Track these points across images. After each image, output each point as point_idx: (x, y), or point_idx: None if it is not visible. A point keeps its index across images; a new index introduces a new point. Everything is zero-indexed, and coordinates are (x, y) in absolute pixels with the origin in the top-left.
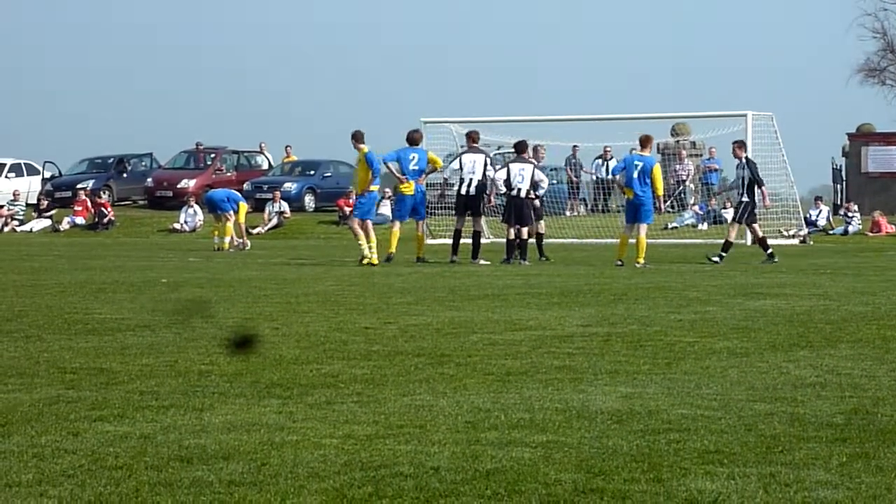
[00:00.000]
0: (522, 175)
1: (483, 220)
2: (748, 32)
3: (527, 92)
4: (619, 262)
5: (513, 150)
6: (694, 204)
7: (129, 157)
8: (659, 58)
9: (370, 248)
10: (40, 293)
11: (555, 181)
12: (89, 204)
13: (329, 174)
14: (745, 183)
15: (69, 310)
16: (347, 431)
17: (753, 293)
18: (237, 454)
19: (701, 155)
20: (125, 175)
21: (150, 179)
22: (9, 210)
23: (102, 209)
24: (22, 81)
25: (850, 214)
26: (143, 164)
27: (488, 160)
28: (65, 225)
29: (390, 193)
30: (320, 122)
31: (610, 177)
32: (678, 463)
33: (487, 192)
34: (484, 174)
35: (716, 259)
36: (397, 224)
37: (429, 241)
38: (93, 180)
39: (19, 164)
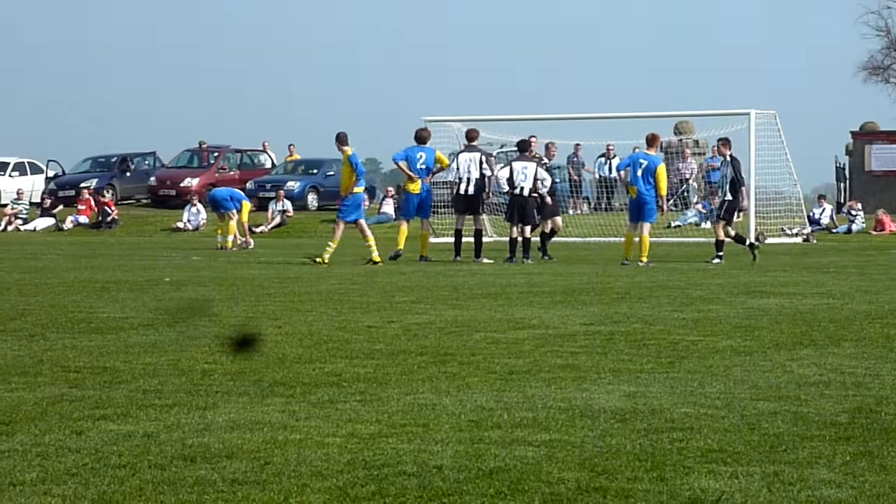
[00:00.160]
0: (525, 173)
1: (485, 218)
2: (752, 31)
3: (529, 91)
4: (625, 262)
5: (515, 148)
6: (697, 202)
7: (133, 155)
8: (662, 57)
9: (370, 247)
10: (44, 292)
11: (558, 180)
12: (93, 203)
13: (332, 173)
14: (729, 181)
15: (72, 308)
16: (350, 430)
17: (757, 292)
18: (240, 453)
19: (704, 153)
20: (128, 174)
21: (153, 178)
22: (12, 209)
23: (106, 208)
24: (27, 81)
25: (853, 213)
26: (147, 162)
27: (483, 158)
28: (68, 224)
29: (393, 192)
30: (323, 121)
31: (614, 174)
32: (681, 462)
33: (485, 190)
34: (480, 172)
35: (716, 261)
36: (405, 223)
37: (432, 240)
38: (96, 179)
39: (23, 162)
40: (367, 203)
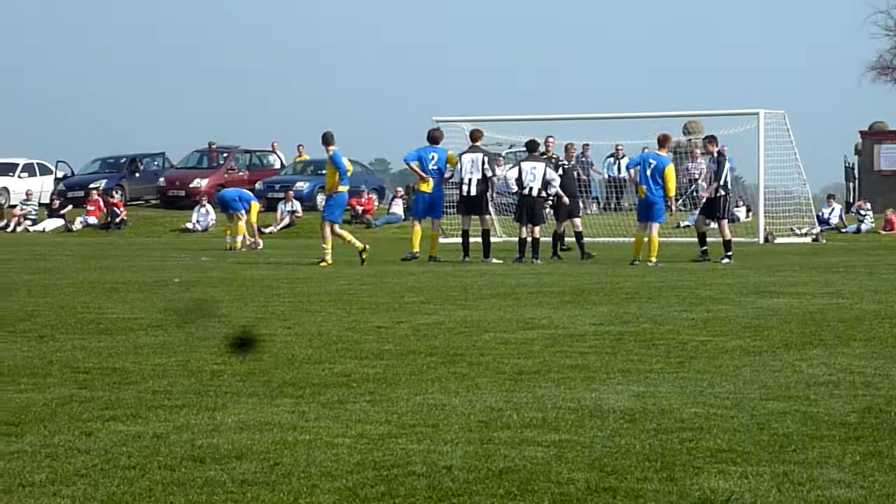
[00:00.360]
0: (534, 174)
1: (493, 218)
2: (761, 31)
3: (538, 91)
4: (635, 262)
5: (524, 148)
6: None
7: (142, 156)
8: (671, 56)
9: (326, 247)
10: (53, 293)
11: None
12: (102, 204)
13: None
14: (722, 178)
15: (82, 309)
16: (360, 431)
17: (766, 291)
18: (250, 454)
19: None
20: (137, 175)
21: (162, 179)
22: (21, 210)
23: (115, 209)
24: (35, 82)
25: (862, 212)
26: (156, 163)
27: (486, 158)
28: (77, 225)
29: (402, 192)
30: (332, 122)
31: (623, 174)
32: (691, 462)
33: (488, 191)
34: (483, 173)
35: (724, 262)
36: (417, 223)
37: (441, 241)
38: (105, 180)
39: (32, 163)
40: (379, 203)
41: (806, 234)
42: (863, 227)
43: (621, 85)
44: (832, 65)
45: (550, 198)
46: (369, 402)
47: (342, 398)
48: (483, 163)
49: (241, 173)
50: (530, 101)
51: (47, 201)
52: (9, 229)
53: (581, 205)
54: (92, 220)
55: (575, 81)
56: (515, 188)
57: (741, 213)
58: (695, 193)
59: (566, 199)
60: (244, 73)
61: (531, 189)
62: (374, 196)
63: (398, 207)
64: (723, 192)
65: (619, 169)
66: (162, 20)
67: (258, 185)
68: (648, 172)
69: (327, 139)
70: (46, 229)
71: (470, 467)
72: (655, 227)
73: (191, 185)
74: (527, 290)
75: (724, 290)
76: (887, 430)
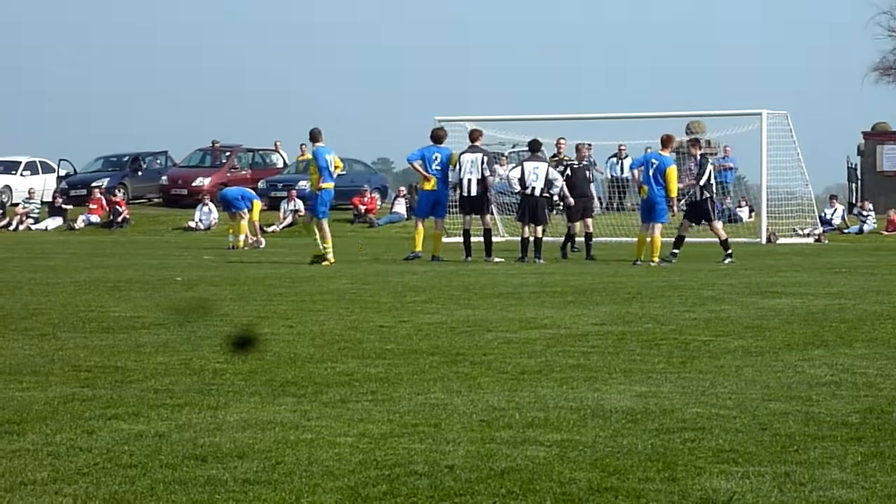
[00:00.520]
0: (537, 174)
1: (497, 218)
2: (763, 32)
3: (540, 91)
4: (637, 262)
5: (527, 148)
6: None
7: (145, 155)
8: (674, 56)
9: (326, 246)
10: (55, 291)
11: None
12: (104, 202)
13: (344, 172)
14: (705, 179)
15: (84, 308)
16: (362, 430)
17: (768, 292)
18: (252, 452)
19: (716, 153)
20: (140, 173)
21: (165, 177)
22: (24, 208)
23: (117, 207)
24: (36, 80)
25: (864, 213)
26: (158, 162)
27: (485, 158)
28: (80, 223)
29: (405, 191)
30: (335, 121)
31: (626, 174)
32: (693, 462)
33: (486, 191)
34: (482, 173)
35: (726, 262)
36: (420, 223)
37: (444, 240)
38: (108, 178)
39: (34, 162)
40: (382, 203)
41: (808, 235)
42: (865, 227)
43: (624, 85)
44: (835, 66)
45: (554, 197)
46: (371, 401)
47: (344, 397)
48: (482, 163)
49: (243, 172)
50: (533, 101)
51: (50, 200)
52: (11, 227)
53: (596, 205)
54: (94, 218)
55: (577, 81)
56: (518, 188)
57: (744, 213)
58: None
59: (570, 200)
60: (247, 72)
61: (534, 189)
62: (376, 195)
63: (401, 207)
64: (707, 195)
65: (621, 169)
66: (165, 19)
67: (261, 184)
68: (651, 173)
69: (314, 136)
70: (49, 228)
71: (472, 467)
72: (658, 227)
73: (193, 184)
74: (529, 289)
75: (726, 290)
76: (889, 431)
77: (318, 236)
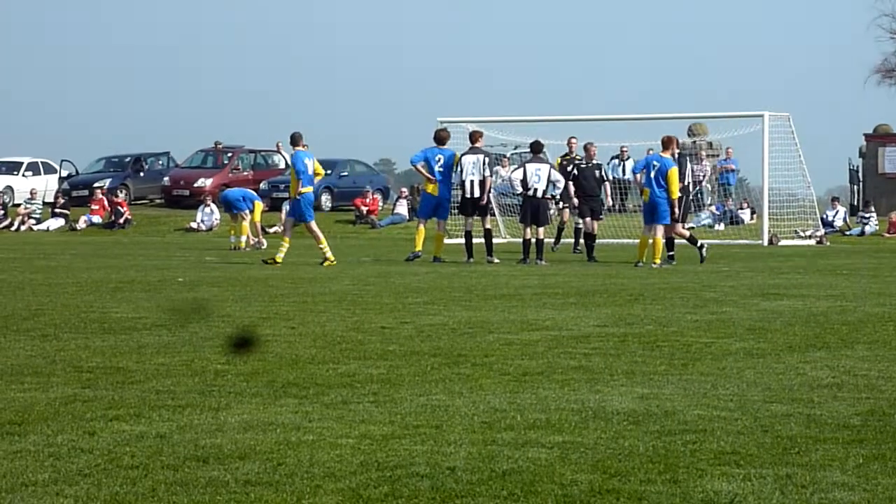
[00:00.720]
0: (539, 175)
1: (499, 219)
2: (765, 33)
3: (540, 92)
4: (639, 263)
5: (529, 149)
6: (710, 204)
7: (146, 155)
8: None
9: (282, 247)
10: (57, 292)
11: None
12: (106, 203)
13: (346, 173)
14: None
15: (85, 309)
16: (363, 431)
17: (770, 294)
18: (253, 454)
19: (718, 155)
20: (142, 174)
21: (166, 178)
22: (26, 209)
23: (119, 208)
24: (39, 80)
25: (866, 215)
26: (160, 162)
27: (486, 159)
28: (81, 224)
29: (407, 193)
30: (337, 122)
31: (628, 176)
32: (694, 464)
33: (485, 192)
34: (483, 174)
35: (663, 265)
36: (422, 223)
37: (445, 241)
38: (110, 179)
39: (36, 162)
40: (384, 204)
41: (810, 237)
42: (867, 229)
43: (626, 86)
44: (837, 68)
45: (556, 197)
46: (373, 402)
47: (346, 399)
48: (483, 164)
49: (245, 173)
50: (534, 102)
51: (52, 200)
52: (13, 228)
53: (603, 206)
54: (96, 219)
55: (579, 82)
56: (520, 189)
57: (745, 215)
58: (699, 195)
59: (575, 201)
60: (249, 72)
61: (536, 190)
62: (378, 196)
63: (402, 208)
64: (680, 194)
65: (623, 170)
66: (167, 19)
67: (263, 185)
68: (652, 174)
69: (294, 139)
70: (50, 228)
71: (473, 468)
72: (660, 229)
73: (195, 185)
74: (531, 291)
75: (727, 292)
76: (891, 433)
77: (286, 244)
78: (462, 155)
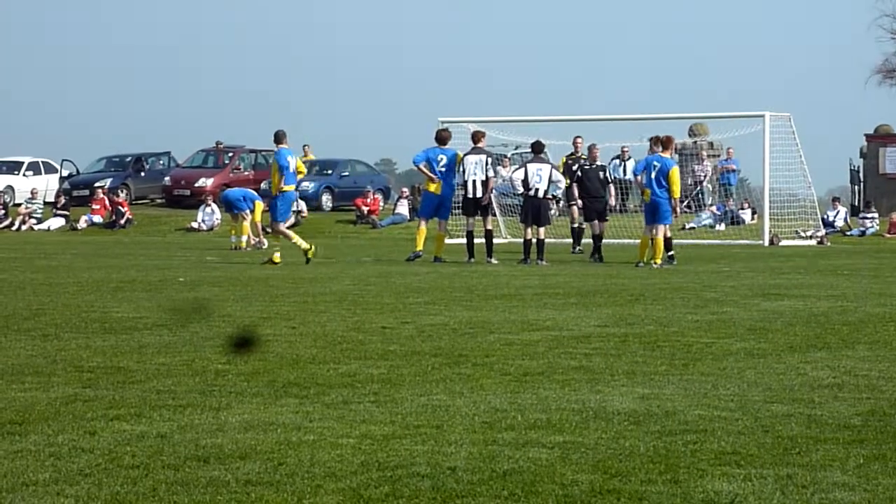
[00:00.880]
0: (540, 175)
1: (500, 219)
2: (766, 34)
3: (542, 92)
4: (640, 264)
5: (530, 150)
6: (711, 204)
7: (147, 155)
8: (676, 58)
9: (275, 248)
10: (57, 292)
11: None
12: (107, 202)
13: (347, 173)
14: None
15: (86, 308)
16: (364, 431)
17: (771, 294)
18: (254, 454)
19: (719, 155)
20: (143, 174)
21: (167, 178)
22: (26, 208)
23: (120, 208)
24: (40, 80)
25: (868, 216)
26: (161, 162)
27: (489, 160)
28: (82, 223)
29: (408, 193)
30: (338, 122)
31: (630, 177)
32: (695, 464)
33: (486, 192)
34: (486, 175)
35: (641, 265)
36: (423, 223)
37: (446, 241)
38: (110, 179)
39: (37, 162)
40: (385, 204)
41: (811, 237)
42: (868, 230)
43: (626, 86)
44: (838, 68)
45: (558, 196)
46: (374, 402)
47: (347, 398)
48: (486, 164)
49: (246, 173)
50: (535, 102)
51: (52, 200)
52: (14, 228)
53: (609, 207)
54: (97, 218)
55: (579, 82)
56: (521, 189)
57: (746, 215)
58: (699, 195)
59: (579, 203)
60: (250, 72)
61: (537, 190)
62: (379, 196)
63: (403, 208)
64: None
65: (624, 171)
66: (168, 19)
67: (263, 185)
68: (653, 175)
69: (278, 137)
70: (51, 228)
71: (474, 468)
72: (661, 229)
73: (196, 185)
74: (532, 291)
75: (728, 292)
76: (891, 434)
77: (295, 237)
78: (465, 155)
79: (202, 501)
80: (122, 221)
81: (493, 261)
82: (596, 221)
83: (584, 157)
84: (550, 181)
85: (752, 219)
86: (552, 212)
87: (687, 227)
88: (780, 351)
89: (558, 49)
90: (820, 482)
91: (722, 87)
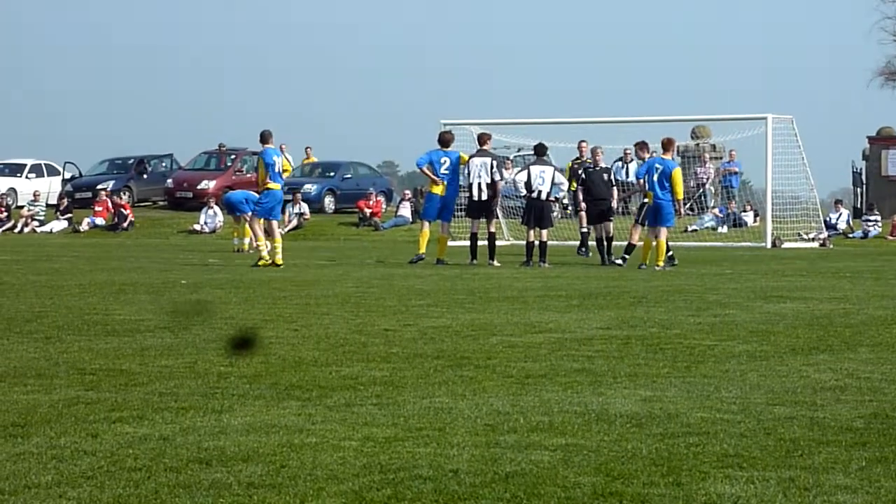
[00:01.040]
0: (543, 177)
1: (502, 222)
2: (769, 35)
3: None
4: (642, 265)
5: (532, 152)
6: (714, 207)
7: (150, 157)
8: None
9: (275, 248)
10: (60, 294)
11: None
12: (109, 205)
13: (349, 176)
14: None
15: (89, 311)
16: (366, 434)
17: (773, 296)
18: (256, 456)
19: (721, 158)
20: (145, 176)
21: (170, 180)
22: (29, 210)
23: (122, 210)
24: (42, 82)
25: (871, 219)
26: (164, 164)
27: (494, 162)
28: (84, 226)
29: (410, 195)
30: (340, 124)
31: (633, 179)
32: (697, 467)
33: (495, 195)
34: (491, 177)
35: (619, 262)
36: (426, 224)
37: (450, 243)
38: (113, 181)
39: (39, 164)
40: (387, 206)
41: (813, 239)
42: (870, 232)
43: (628, 88)
44: (840, 70)
45: (564, 200)
46: (376, 405)
47: (349, 401)
48: (491, 167)
49: (248, 175)
50: (537, 104)
51: (55, 202)
52: (16, 230)
53: (613, 208)
54: (99, 221)
55: (582, 84)
56: (524, 192)
57: (748, 217)
58: (702, 197)
59: (583, 205)
60: (252, 74)
61: (540, 192)
62: (381, 199)
63: (406, 210)
64: (645, 199)
65: (626, 173)
66: (170, 20)
67: None
68: (655, 177)
69: (264, 137)
70: (54, 230)
71: (476, 471)
72: (663, 231)
73: (198, 187)
74: (534, 293)
75: (731, 294)
76: (894, 436)
77: (262, 239)
78: (470, 157)
79: None
80: (125, 224)
81: (496, 263)
82: (601, 224)
83: (588, 160)
84: (553, 183)
85: (755, 221)
86: (554, 214)
87: (689, 229)
88: (782, 353)
89: (561, 51)
90: (822, 485)
91: (724, 89)
